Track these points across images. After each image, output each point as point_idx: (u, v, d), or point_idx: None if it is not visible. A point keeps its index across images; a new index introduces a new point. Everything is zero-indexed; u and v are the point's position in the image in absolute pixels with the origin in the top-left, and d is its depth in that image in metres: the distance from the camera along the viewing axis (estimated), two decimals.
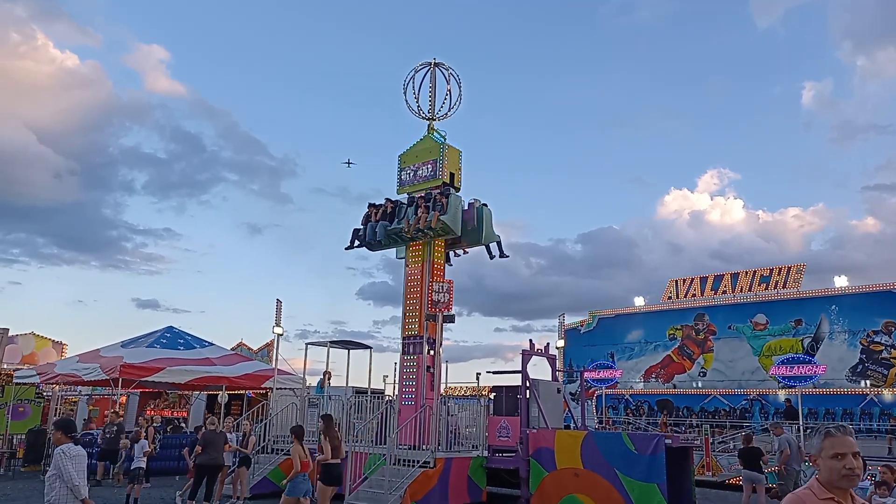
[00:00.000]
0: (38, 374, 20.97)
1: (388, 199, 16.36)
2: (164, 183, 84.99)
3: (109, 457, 16.24)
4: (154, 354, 19.74)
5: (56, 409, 22.66)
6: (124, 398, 24.19)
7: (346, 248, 16.84)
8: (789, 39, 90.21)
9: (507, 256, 16.23)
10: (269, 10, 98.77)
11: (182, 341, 21.59)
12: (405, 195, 16.26)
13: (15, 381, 21.50)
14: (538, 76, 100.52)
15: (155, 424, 16.36)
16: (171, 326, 22.46)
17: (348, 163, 39.55)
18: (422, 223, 15.04)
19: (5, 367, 23.24)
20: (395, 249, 16.78)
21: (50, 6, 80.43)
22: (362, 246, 16.56)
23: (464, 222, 15.49)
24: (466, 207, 15.78)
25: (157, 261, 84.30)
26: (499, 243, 16.01)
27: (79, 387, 24.55)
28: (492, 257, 16.03)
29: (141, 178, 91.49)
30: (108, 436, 16.43)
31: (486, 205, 15.97)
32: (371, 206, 16.67)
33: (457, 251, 16.41)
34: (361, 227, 16.57)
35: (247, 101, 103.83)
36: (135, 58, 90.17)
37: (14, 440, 19.50)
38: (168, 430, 20.87)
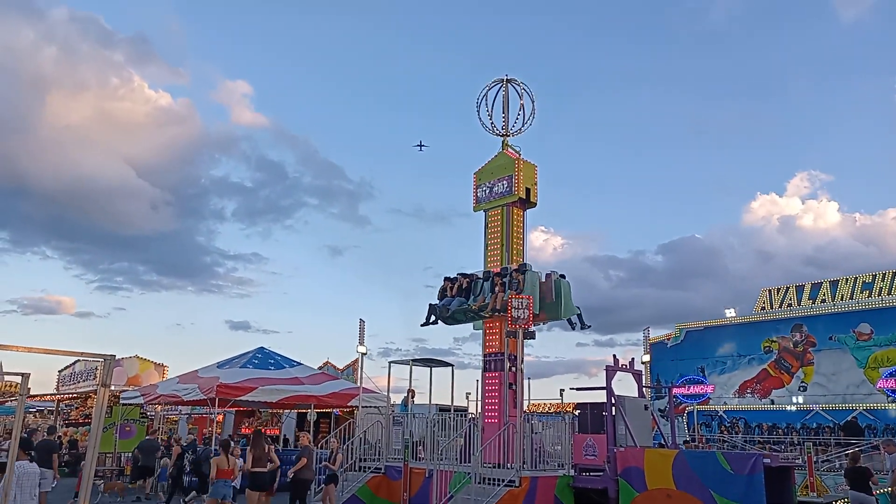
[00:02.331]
0: (142, 395, 22.23)
1: (462, 275, 16.13)
2: (251, 210, 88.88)
3: (146, 473, 17.02)
4: (247, 374, 20.51)
5: (159, 427, 23.93)
6: (221, 416, 25.26)
7: (421, 325, 16.65)
8: (877, 32, 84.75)
9: (590, 326, 15.64)
10: (343, 41, 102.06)
11: (272, 361, 22.34)
12: (481, 271, 15.97)
13: (121, 402, 22.91)
14: (611, 86, 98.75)
15: (183, 443, 17.09)
16: (262, 347, 23.30)
17: (420, 145, 37.88)
18: (499, 304, 14.69)
19: (112, 389, 24.77)
20: (471, 322, 16.49)
21: (144, 50, 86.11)
22: (437, 322, 16.32)
23: (542, 294, 15.06)
24: (543, 279, 15.31)
25: (246, 284, 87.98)
26: (579, 315, 15.39)
27: (179, 406, 25.82)
28: (573, 328, 15.46)
29: (230, 206, 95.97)
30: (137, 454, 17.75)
31: (563, 276, 15.45)
32: (447, 279, 16.44)
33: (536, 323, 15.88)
34: (438, 301, 16.33)
35: (324, 128, 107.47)
36: (221, 93, 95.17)
37: (122, 458, 20.73)
38: None
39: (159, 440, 20.54)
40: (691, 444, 24.66)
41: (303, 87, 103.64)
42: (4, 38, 67.50)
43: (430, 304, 16.49)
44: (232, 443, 12.50)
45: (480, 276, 15.85)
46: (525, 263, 15.43)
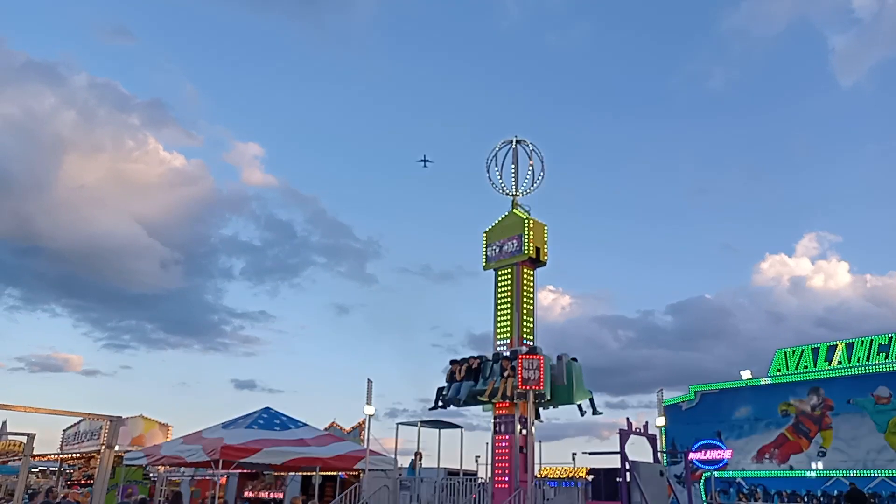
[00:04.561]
0: (146, 456, 21.83)
1: (472, 357, 15.90)
2: (260, 268, 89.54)
3: None
4: (252, 435, 20.11)
5: (161, 489, 23.41)
6: (224, 479, 24.69)
7: (430, 409, 16.50)
8: (876, 96, 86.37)
9: (601, 413, 15.11)
10: (351, 104, 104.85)
11: (278, 422, 21.94)
12: (490, 355, 15.82)
13: (124, 463, 22.50)
14: (616, 147, 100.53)
15: None
16: (268, 407, 22.94)
17: (424, 160, 36.13)
18: (509, 390, 14.44)
19: (116, 449, 24.38)
20: (481, 405, 16.15)
21: (159, 113, 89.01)
22: (446, 406, 16.10)
23: (553, 378, 14.80)
24: (554, 362, 15.06)
25: (253, 343, 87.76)
26: (591, 400, 14.99)
27: (182, 468, 25.30)
28: (583, 414, 15.07)
29: (238, 265, 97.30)
30: None
31: (575, 359, 15.15)
32: (453, 362, 16.27)
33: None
34: (446, 384, 16.15)
35: (332, 188, 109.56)
36: (233, 155, 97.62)
37: None
38: None
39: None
40: None
41: (312, 149, 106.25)
42: (27, 103, 69.83)
43: (439, 389, 16.26)
44: None
45: (490, 357, 15.54)
46: (535, 346, 15.08)
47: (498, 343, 16.04)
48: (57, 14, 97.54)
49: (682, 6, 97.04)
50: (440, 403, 16.11)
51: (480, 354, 15.92)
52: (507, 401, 14.77)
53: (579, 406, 14.95)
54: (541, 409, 15.45)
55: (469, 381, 15.43)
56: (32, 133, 68.59)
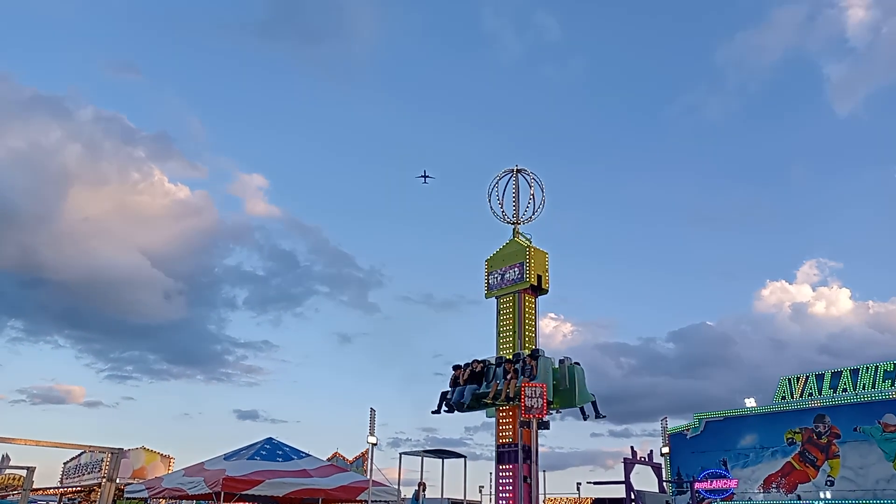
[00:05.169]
0: (147, 488, 21.60)
1: (475, 361, 15.96)
2: (263, 298, 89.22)
3: None
4: (255, 467, 19.95)
5: None
6: None
7: (432, 412, 16.39)
8: (872, 124, 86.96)
9: (604, 416, 15.15)
10: (354, 135, 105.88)
11: (280, 453, 21.77)
12: (494, 357, 15.96)
13: (125, 495, 22.27)
14: (617, 176, 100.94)
15: None
16: (270, 438, 22.80)
17: (424, 176, 34.92)
18: (512, 391, 14.52)
19: (118, 482, 24.16)
20: (484, 410, 16.17)
21: (164, 146, 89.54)
22: (451, 410, 16.04)
23: (555, 381, 14.90)
24: (557, 365, 15.14)
25: (256, 372, 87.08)
26: (594, 403, 15.04)
27: (183, 500, 25.03)
28: (585, 418, 15.08)
29: (242, 295, 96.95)
30: None
31: (577, 363, 15.26)
32: (456, 367, 16.30)
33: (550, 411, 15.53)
34: (449, 389, 16.11)
35: (335, 218, 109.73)
36: (237, 186, 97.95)
37: None
38: None
39: None
40: None
41: (315, 180, 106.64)
42: (34, 137, 70.45)
43: (442, 393, 16.22)
44: None
45: (493, 361, 15.66)
46: (538, 349, 15.24)
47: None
48: (65, 50, 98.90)
49: (677, 38, 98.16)
50: (444, 408, 16.05)
51: (484, 359, 15.93)
52: (511, 403, 14.75)
53: (582, 409, 14.97)
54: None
55: (472, 384, 15.42)
56: (38, 166, 69.03)
